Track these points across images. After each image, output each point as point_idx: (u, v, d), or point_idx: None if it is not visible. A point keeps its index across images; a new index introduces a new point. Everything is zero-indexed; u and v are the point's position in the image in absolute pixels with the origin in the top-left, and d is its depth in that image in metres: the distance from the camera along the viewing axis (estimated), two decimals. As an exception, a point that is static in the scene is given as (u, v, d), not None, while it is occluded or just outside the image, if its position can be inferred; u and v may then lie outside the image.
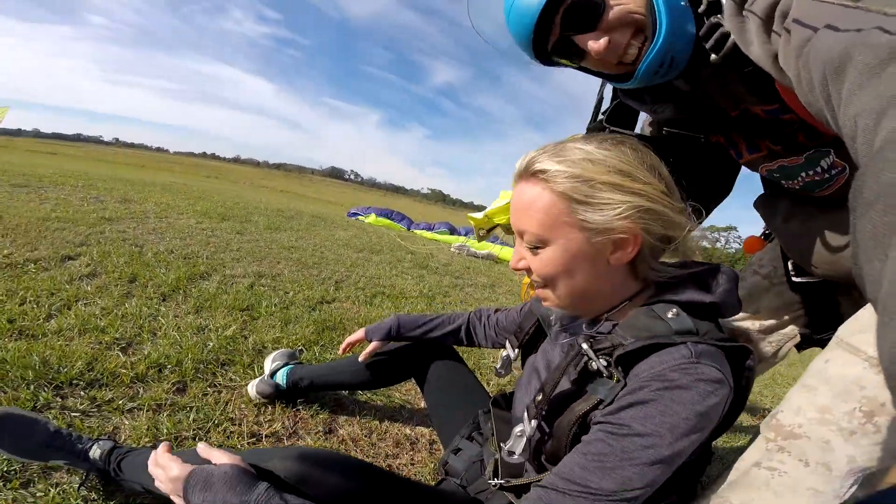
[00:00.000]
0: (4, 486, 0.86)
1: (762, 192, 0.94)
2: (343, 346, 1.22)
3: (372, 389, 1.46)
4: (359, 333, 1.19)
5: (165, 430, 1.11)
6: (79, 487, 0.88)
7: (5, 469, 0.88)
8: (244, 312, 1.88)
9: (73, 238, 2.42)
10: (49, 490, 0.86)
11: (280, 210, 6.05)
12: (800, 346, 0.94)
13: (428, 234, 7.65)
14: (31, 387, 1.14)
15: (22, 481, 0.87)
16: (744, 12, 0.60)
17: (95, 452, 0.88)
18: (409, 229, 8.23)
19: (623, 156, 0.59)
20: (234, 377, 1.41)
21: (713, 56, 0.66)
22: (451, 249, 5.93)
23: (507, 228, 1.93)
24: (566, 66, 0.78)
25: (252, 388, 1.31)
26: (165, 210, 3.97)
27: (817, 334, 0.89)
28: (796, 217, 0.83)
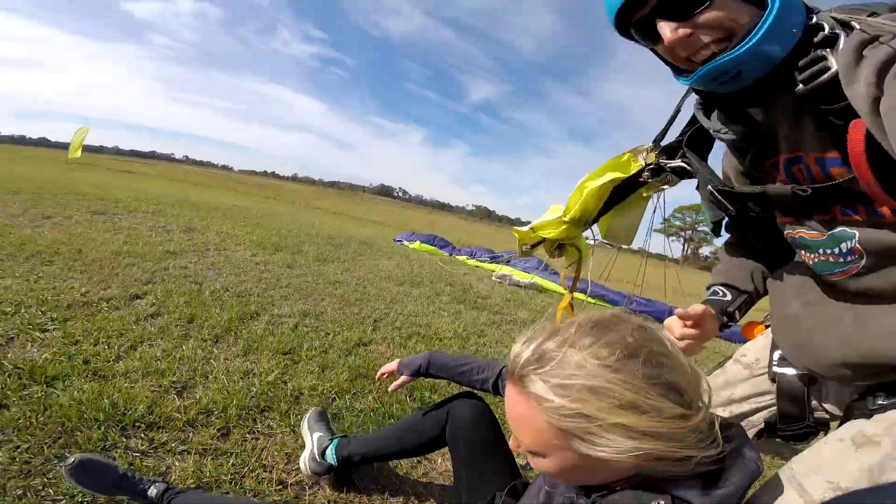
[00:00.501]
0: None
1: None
2: (378, 374, 1.29)
3: (419, 456, 1.49)
4: (392, 365, 1.25)
5: (208, 474, 1.22)
6: None
7: (80, 499, 1.04)
8: (286, 356, 1.99)
9: (141, 275, 2.69)
10: None
11: (330, 237, 6.36)
12: (760, 434, 0.91)
13: (470, 262, 7.69)
14: (102, 427, 1.28)
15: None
16: (865, 51, 0.58)
17: (152, 492, 1.06)
18: (451, 255, 8.33)
19: (633, 378, 0.51)
20: (271, 423, 1.50)
21: (800, 87, 0.64)
22: (493, 278, 5.88)
23: (552, 244, 1.86)
24: (639, 42, 0.76)
25: (304, 466, 1.31)
26: (224, 241, 4.31)
27: (780, 426, 0.87)
28: (798, 299, 0.81)
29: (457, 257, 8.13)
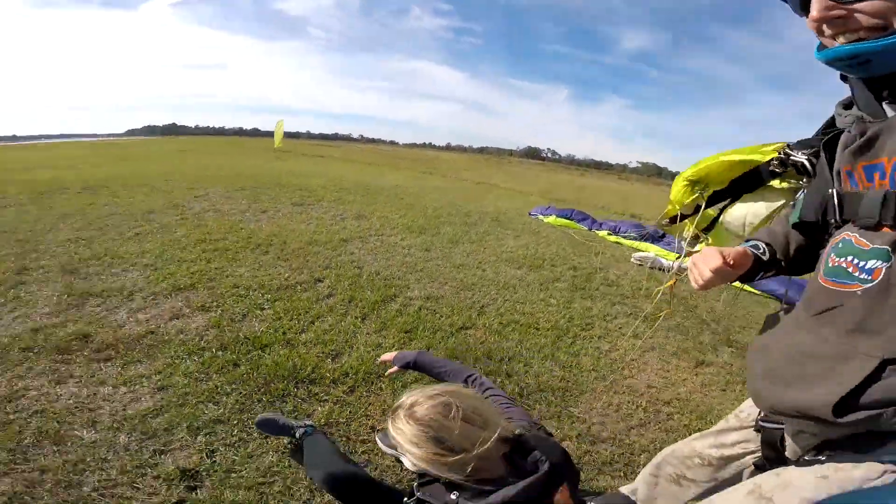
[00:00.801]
0: (266, 441, 1.70)
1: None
2: (380, 359, 1.63)
3: None
4: (390, 355, 1.54)
5: (334, 417, 1.87)
6: (287, 443, 1.69)
7: (263, 439, 1.75)
8: (407, 335, 2.60)
9: (322, 262, 3.66)
10: (278, 447, 1.68)
11: (468, 214, 6.93)
12: (752, 474, 1.00)
13: (611, 237, 7.30)
14: (284, 382, 2.05)
15: (270, 443, 1.71)
16: None
17: (298, 433, 1.63)
18: (590, 230, 8.03)
19: (427, 443, 0.93)
20: (381, 386, 2.11)
21: None
22: (633, 260, 5.43)
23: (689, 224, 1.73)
24: (793, 8, 0.79)
25: (381, 444, 1.69)
26: (383, 226, 5.25)
27: (768, 468, 0.95)
28: (775, 333, 0.89)
29: (597, 232, 7.80)
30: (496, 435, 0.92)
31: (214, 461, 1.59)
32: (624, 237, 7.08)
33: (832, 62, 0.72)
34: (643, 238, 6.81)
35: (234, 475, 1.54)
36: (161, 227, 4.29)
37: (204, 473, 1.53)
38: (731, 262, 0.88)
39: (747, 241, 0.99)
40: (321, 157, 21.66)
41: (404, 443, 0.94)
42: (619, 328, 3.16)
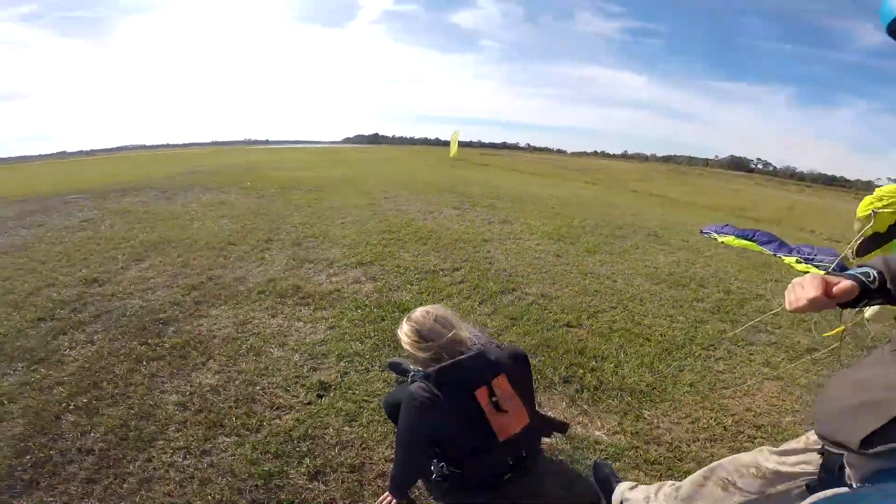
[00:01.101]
0: (382, 374, 2.39)
1: None
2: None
3: None
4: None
5: None
6: (397, 381, 2.32)
7: (381, 371, 2.44)
8: (511, 321, 3.02)
9: (464, 255, 4.36)
10: (385, 378, 2.34)
11: (619, 227, 6.76)
12: (802, 494, 1.03)
13: (800, 265, 6.10)
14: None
15: (382, 376, 2.39)
16: None
17: (411, 376, 2.26)
18: (775, 254, 6.81)
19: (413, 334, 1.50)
20: None
21: None
22: None
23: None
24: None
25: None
26: (524, 231, 5.72)
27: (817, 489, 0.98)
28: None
29: (783, 258, 6.58)
30: (451, 333, 1.45)
31: (343, 380, 2.28)
32: (817, 266, 5.84)
33: None
34: (842, 270, 5.51)
35: (350, 391, 2.20)
36: (358, 219, 5.88)
37: (333, 386, 2.23)
38: (832, 293, 0.87)
39: (860, 266, 0.97)
40: (485, 166, 23.26)
41: (401, 335, 1.52)
42: (751, 354, 2.88)
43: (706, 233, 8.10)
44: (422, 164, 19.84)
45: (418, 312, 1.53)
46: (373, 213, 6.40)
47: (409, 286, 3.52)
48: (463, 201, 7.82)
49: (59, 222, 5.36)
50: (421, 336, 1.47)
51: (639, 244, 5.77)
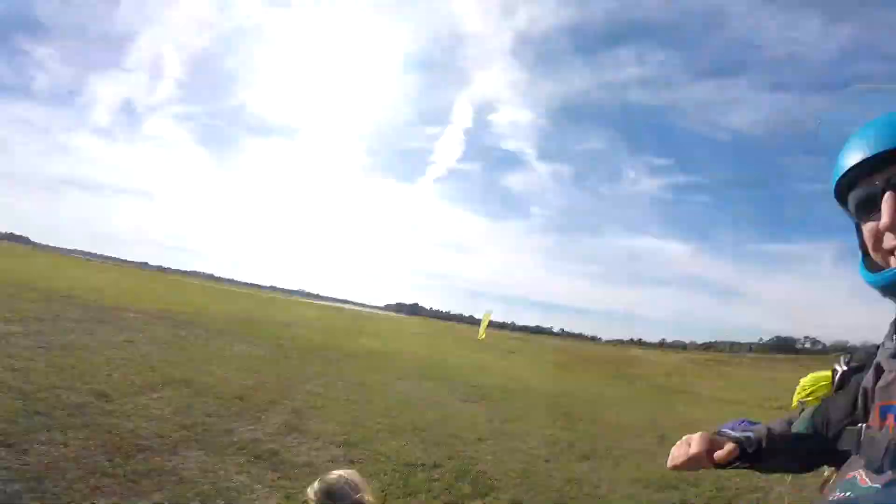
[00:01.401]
0: None
1: None
2: None
3: None
4: None
5: None
6: None
7: None
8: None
9: (448, 452, 4.67)
10: None
11: (625, 427, 6.71)
12: None
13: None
14: None
15: None
16: None
17: None
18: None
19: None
20: None
21: None
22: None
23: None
24: (845, 210, 0.67)
25: None
26: (522, 432, 5.93)
27: None
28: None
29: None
30: (358, 496, 1.52)
31: None
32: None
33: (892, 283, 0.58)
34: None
35: None
36: (364, 399, 6.33)
37: None
38: (715, 457, 0.83)
39: (747, 429, 0.92)
40: (511, 353, 23.32)
41: (310, 493, 1.48)
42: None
43: (723, 432, 7.79)
44: (448, 343, 20.71)
45: (333, 474, 1.60)
46: (381, 394, 6.86)
47: (381, 476, 3.68)
48: (472, 392, 8.16)
49: (106, 336, 6.24)
50: (328, 496, 1.54)
51: (640, 448, 5.68)
